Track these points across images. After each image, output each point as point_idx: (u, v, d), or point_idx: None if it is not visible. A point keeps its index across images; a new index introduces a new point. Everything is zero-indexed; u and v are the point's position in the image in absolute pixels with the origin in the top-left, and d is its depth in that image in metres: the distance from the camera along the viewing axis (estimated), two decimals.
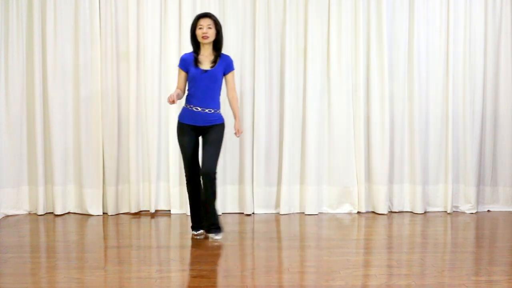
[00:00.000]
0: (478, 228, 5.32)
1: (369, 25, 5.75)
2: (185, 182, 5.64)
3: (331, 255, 4.30)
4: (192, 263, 4.16)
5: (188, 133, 4.65)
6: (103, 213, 5.71)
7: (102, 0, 5.61)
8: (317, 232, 5.11)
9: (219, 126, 4.69)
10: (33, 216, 5.64)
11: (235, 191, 5.80)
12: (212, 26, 4.61)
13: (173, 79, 5.62)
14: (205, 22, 4.60)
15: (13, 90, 5.61)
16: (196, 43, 4.67)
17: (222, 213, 5.73)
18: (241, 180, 5.79)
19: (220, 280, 3.74)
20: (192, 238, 4.80)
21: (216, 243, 4.65)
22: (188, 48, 5.62)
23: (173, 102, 4.46)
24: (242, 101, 5.72)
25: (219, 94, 4.70)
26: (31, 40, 5.60)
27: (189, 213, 5.66)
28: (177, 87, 4.71)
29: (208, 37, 4.59)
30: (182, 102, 4.86)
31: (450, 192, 5.81)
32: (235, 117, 4.73)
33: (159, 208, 5.80)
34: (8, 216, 5.61)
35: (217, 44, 4.66)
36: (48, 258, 4.27)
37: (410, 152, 5.83)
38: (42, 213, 5.65)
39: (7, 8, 5.58)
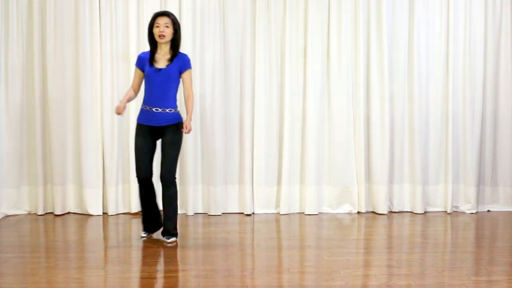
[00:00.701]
0: (478, 228, 5.32)
1: (369, 25, 5.75)
2: (185, 182, 5.70)
3: (331, 255, 4.30)
4: (192, 263, 4.16)
5: (144, 134, 4.55)
6: (103, 213, 5.70)
7: (102, 0, 5.60)
8: (317, 232, 5.11)
9: (176, 126, 4.56)
10: (33, 216, 5.64)
11: (235, 191, 5.80)
12: (170, 25, 4.51)
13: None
14: (162, 21, 4.50)
15: (13, 90, 5.61)
16: (153, 42, 4.56)
17: (222, 213, 5.73)
18: (241, 180, 5.79)
19: (220, 280, 3.74)
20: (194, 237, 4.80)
21: (216, 244, 4.65)
22: (187, 48, 5.64)
23: (119, 113, 4.44)
24: (242, 100, 5.73)
25: (175, 93, 4.59)
26: (31, 40, 5.60)
27: (190, 213, 5.69)
28: (131, 86, 4.64)
29: (164, 36, 4.49)
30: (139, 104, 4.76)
31: (450, 192, 5.80)
32: (187, 114, 4.53)
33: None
34: (8, 216, 5.61)
35: (175, 43, 4.56)
36: (48, 258, 4.27)
37: (410, 152, 5.83)
38: (42, 213, 5.65)
39: (7, 8, 5.58)
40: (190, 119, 4.53)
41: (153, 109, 4.52)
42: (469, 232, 5.22)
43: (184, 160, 5.67)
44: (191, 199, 5.69)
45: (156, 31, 4.52)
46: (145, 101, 4.58)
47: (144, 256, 4.30)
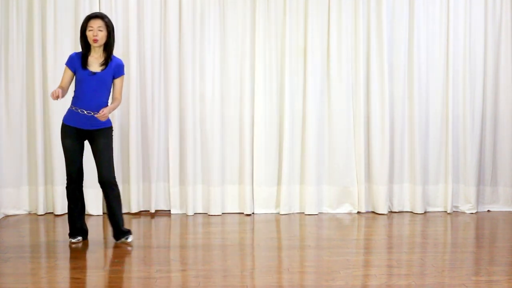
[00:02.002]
0: (478, 228, 5.32)
1: (369, 25, 5.75)
2: (185, 182, 5.70)
3: (331, 255, 4.30)
4: (192, 263, 4.16)
5: (72, 136, 4.46)
6: (103, 213, 5.70)
7: (102, 0, 5.60)
8: (317, 232, 5.11)
9: (107, 130, 4.51)
10: (33, 216, 5.64)
11: (235, 191, 5.80)
12: (103, 28, 4.38)
13: (173, 79, 5.63)
14: (95, 24, 4.37)
15: (13, 90, 5.61)
16: (86, 44, 4.43)
17: (222, 213, 5.73)
18: (241, 180, 5.79)
19: (220, 280, 3.74)
20: (190, 238, 4.80)
21: (216, 244, 4.65)
22: (188, 48, 5.65)
23: (57, 97, 4.23)
24: (242, 101, 5.72)
25: (107, 98, 4.51)
26: (31, 40, 5.60)
27: (189, 213, 5.69)
28: (60, 86, 4.42)
29: (97, 40, 4.36)
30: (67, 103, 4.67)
31: (450, 192, 5.80)
32: (109, 107, 4.42)
33: (159, 208, 5.80)
34: (8, 216, 5.61)
35: (108, 47, 4.43)
36: (48, 258, 4.27)
37: (410, 152, 5.83)
38: (42, 213, 5.65)
39: (7, 8, 5.58)
40: (110, 110, 4.40)
41: (85, 112, 4.42)
42: (469, 232, 5.22)
43: (184, 160, 5.67)
44: (191, 199, 5.69)
45: (89, 34, 4.38)
46: (76, 103, 4.44)
47: (144, 256, 4.30)
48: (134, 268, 4.05)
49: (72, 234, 4.65)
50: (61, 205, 5.66)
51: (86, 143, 4.63)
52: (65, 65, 4.52)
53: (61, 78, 4.57)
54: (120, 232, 4.60)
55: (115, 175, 4.60)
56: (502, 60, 5.85)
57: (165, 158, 5.75)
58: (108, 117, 4.50)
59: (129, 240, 4.60)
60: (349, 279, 3.74)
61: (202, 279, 3.73)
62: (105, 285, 3.71)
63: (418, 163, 5.77)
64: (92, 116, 4.43)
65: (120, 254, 4.36)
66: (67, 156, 4.51)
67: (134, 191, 5.67)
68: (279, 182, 5.81)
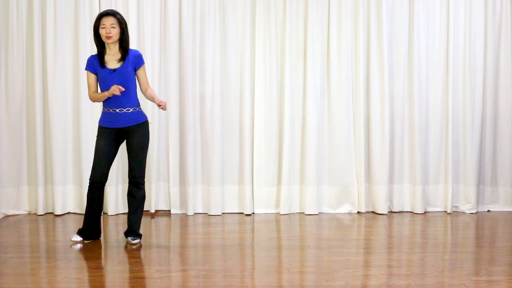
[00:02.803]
0: (478, 228, 5.32)
1: (369, 25, 5.75)
2: (185, 182, 5.70)
3: (331, 255, 4.30)
4: (192, 263, 4.16)
5: (107, 137, 4.46)
6: (103, 213, 5.69)
7: (102, 0, 5.61)
8: (317, 232, 5.11)
9: (142, 126, 4.50)
10: (33, 216, 5.64)
11: (235, 191, 5.80)
12: (116, 25, 4.37)
13: (173, 79, 5.63)
14: (107, 22, 4.36)
15: (13, 90, 5.61)
16: (100, 43, 4.44)
17: (222, 213, 5.74)
18: (241, 180, 5.79)
19: (220, 280, 3.74)
20: (185, 238, 4.79)
21: (216, 244, 4.65)
22: (187, 48, 5.64)
23: (120, 90, 4.28)
24: (242, 101, 5.73)
25: (134, 91, 4.49)
26: (31, 40, 5.60)
27: (190, 213, 5.69)
28: (91, 92, 4.48)
29: (111, 37, 4.36)
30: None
31: (450, 192, 5.80)
32: (155, 99, 4.46)
33: (159, 208, 5.80)
34: (8, 216, 5.61)
35: (123, 43, 4.43)
36: (48, 258, 4.27)
37: (410, 152, 5.83)
38: (42, 213, 5.65)
39: (7, 8, 5.58)
40: (158, 97, 4.46)
41: (117, 110, 4.44)
42: (469, 232, 5.23)
43: (184, 160, 5.67)
44: (191, 199, 5.69)
45: (102, 32, 4.39)
46: (106, 104, 4.46)
47: (144, 256, 4.30)
48: (134, 268, 4.05)
49: (77, 232, 4.65)
50: (61, 205, 5.66)
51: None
52: (86, 71, 4.54)
53: (87, 85, 4.54)
54: (131, 231, 4.59)
55: (144, 176, 4.59)
56: (502, 60, 5.85)
57: (165, 158, 5.75)
58: (141, 110, 4.53)
59: (134, 241, 4.56)
60: (349, 279, 3.74)
61: (202, 279, 3.73)
62: (105, 285, 3.71)
63: (418, 163, 5.77)
64: (125, 112, 4.44)
65: (120, 254, 4.36)
66: (95, 157, 4.51)
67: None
68: (279, 182, 5.81)
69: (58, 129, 5.63)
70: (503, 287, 3.61)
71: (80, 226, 4.70)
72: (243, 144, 5.75)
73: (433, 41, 5.80)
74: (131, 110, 4.46)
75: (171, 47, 5.64)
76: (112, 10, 4.49)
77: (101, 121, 4.52)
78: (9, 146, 5.62)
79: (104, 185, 4.57)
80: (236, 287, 3.60)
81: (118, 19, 4.41)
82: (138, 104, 4.53)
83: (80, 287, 3.62)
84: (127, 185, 5.68)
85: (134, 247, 4.50)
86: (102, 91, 4.46)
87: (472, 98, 5.81)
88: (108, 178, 5.57)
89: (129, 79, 4.44)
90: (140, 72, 4.51)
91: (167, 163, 5.75)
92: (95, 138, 5.54)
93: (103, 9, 5.57)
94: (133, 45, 5.57)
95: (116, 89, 4.29)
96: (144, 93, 4.56)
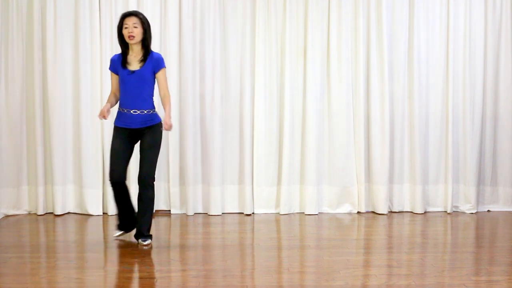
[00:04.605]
0: (478, 228, 5.32)
1: (369, 25, 5.75)
2: (185, 182, 5.70)
3: (331, 255, 4.30)
4: (192, 263, 4.16)
5: (121, 137, 4.50)
6: (103, 213, 5.70)
7: (102, 0, 5.61)
8: (317, 232, 5.11)
9: (155, 127, 4.51)
10: (33, 216, 5.64)
11: (235, 191, 5.80)
12: (139, 25, 4.42)
13: (173, 79, 5.63)
14: (130, 21, 4.42)
15: (13, 90, 5.61)
16: (123, 43, 4.49)
17: (222, 213, 5.73)
18: (241, 180, 5.79)
19: (220, 280, 3.74)
20: (187, 238, 4.79)
21: (216, 244, 4.65)
22: (187, 48, 5.65)
23: (104, 117, 4.37)
24: (242, 101, 5.73)
25: (151, 94, 4.52)
26: (31, 40, 5.60)
27: (190, 213, 5.69)
28: (112, 92, 4.58)
29: (134, 36, 4.40)
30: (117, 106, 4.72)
31: (450, 192, 5.80)
32: (165, 113, 4.45)
33: (159, 208, 5.80)
34: (8, 216, 5.60)
35: (145, 42, 4.48)
36: (48, 258, 4.27)
37: (410, 152, 5.83)
38: (42, 213, 5.65)
39: (7, 8, 5.58)
40: (170, 117, 4.44)
41: (131, 111, 4.47)
42: (469, 232, 5.23)
43: (184, 160, 5.67)
44: (191, 199, 5.69)
45: (125, 32, 4.44)
46: (122, 104, 4.52)
47: (144, 256, 4.30)
48: (134, 268, 4.05)
49: (117, 228, 4.76)
50: (61, 205, 5.66)
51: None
52: (109, 70, 4.62)
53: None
54: (140, 233, 4.58)
55: (154, 177, 4.56)
56: (502, 60, 5.85)
57: (164, 159, 5.74)
58: (156, 113, 4.55)
59: (146, 243, 4.54)
60: (349, 279, 3.74)
61: (202, 279, 3.74)
62: (105, 285, 3.71)
63: (418, 163, 5.77)
64: (139, 114, 4.47)
65: (120, 254, 4.36)
66: (111, 156, 4.54)
67: (134, 191, 5.66)
68: (279, 182, 5.81)
69: (58, 129, 5.63)
70: (503, 287, 3.61)
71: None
72: (243, 144, 5.75)
73: (433, 41, 5.80)
74: (145, 112, 4.49)
75: (171, 47, 5.64)
76: (135, 11, 4.57)
77: (116, 120, 4.58)
78: (9, 146, 5.62)
79: (124, 182, 4.58)
80: (236, 287, 3.60)
81: (140, 19, 4.46)
82: (153, 107, 4.55)
83: (80, 287, 3.62)
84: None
85: (146, 248, 4.49)
86: (121, 91, 4.51)
87: (472, 98, 5.81)
88: (107, 178, 5.62)
89: (146, 82, 4.48)
90: (159, 75, 4.51)
91: (167, 163, 5.75)
92: (95, 138, 5.60)
93: (103, 9, 5.59)
94: None
95: (100, 116, 4.37)
96: (160, 96, 4.57)
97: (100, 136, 5.62)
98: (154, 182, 4.56)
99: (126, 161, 4.56)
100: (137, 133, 4.52)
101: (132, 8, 5.58)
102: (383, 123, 5.75)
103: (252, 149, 5.76)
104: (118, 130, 4.53)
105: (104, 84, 5.61)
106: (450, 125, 5.78)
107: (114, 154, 4.51)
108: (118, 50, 5.61)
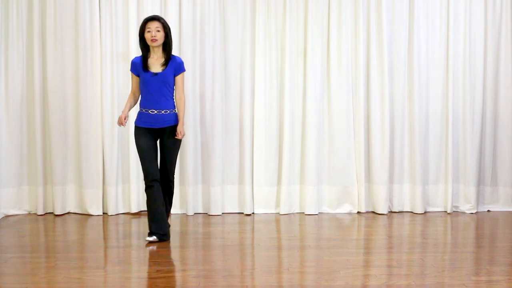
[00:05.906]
0: (478, 228, 5.32)
1: (369, 25, 5.75)
2: (185, 182, 5.70)
3: (331, 255, 4.30)
4: (192, 263, 4.16)
5: (144, 135, 4.63)
6: (103, 213, 5.70)
7: (102, 0, 5.61)
8: (317, 232, 5.11)
9: (176, 128, 4.66)
10: (33, 216, 5.64)
11: (235, 191, 5.80)
12: (161, 29, 4.60)
13: None
14: (153, 25, 4.59)
15: (13, 90, 5.61)
16: (145, 46, 4.66)
17: (222, 213, 5.74)
18: (241, 180, 5.79)
19: (220, 280, 3.74)
20: (191, 239, 4.80)
21: (216, 244, 4.65)
22: (187, 48, 5.65)
23: (121, 124, 4.59)
24: (242, 100, 5.73)
25: (172, 96, 4.70)
26: (31, 40, 5.60)
27: (190, 213, 5.69)
28: (132, 92, 4.75)
29: (156, 40, 4.58)
30: (137, 107, 4.85)
31: (450, 192, 5.80)
32: (178, 118, 4.66)
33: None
34: (8, 216, 5.61)
35: (166, 46, 4.65)
36: (48, 258, 4.28)
37: (410, 152, 5.83)
38: (42, 213, 5.65)
39: (7, 8, 5.58)
40: (183, 123, 4.67)
41: (155, 112, 4.62)
42: (469, 232, 5.23)
43: (184, 160, 5.67)
44: (191, 199, 5.69)
45: (147, 35, 4.60)
46: (143, 105, 4.68)
47: (144, 256, 4.31)
48: (134, 268, 4.05)
49: (148, 233, 4.68)
50: (61, 205, 5.66)
51: None
52: (130, 72, 4.78)
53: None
54: (160, 233, 4.62)
55: (174, 176, 4.83)
56: (502, 60, 5.84)
57: None
58: (176, 113, 4.68)
59: (150, 239, 4.61)
60: (349, 279, 3.74)
61: (202, 279, 3.74)
62: (105, 285, 3.71)
63: (418, 163, 5.77)
64: (162, 114, 4.62)
65: (120, 254, 4.36)
66: (143, 156, 4.63)
67: (134, 191, 5.67)
68: (279, 182, 5.81)
69: (58, 129, 5.63)
70: (503, 287, 3.61)
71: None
72: (243, 144, 5.75)
73: (433, 41, 5.80)
74: (167, 112, 4.64)
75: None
76: (157, 15, 4.73)
77: (137, 121, 4.70)
78: (9, 146, 5.62)
79: (159, 181, 4.66)
80: (236, 287, 3.60)
81: (162, 23, 4.64)
82: (174, 107, 4.70)
83: (80, 287, 3.62)
84: (127, 185, 5.73)
85: (149, 244, 4.57)
86: (142, 92, 4.66)
87: (472, 98, 5.81)
88: (108, 178, 5.64)
89: (168, 84, 4.64)
90: (178, 78, 4.69)
91: None
92: (95, 138, 5.59)
93: (103, 9, 5.59)
94: (133, 45, 5.59)
95: (118, 121, 4.64)
96: (175, 99, 4.71)
97: (100, 136, 5.62)
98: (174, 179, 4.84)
99: (156, 157, 4.70)
100: (158, 132, 4.67)
101: (132, 8, 5.59)
102: (383, 123, 5.76)
103: (252, 149, 5.76)
104: (140, 130, 4.66)
105: (104, 84, 5.61)
106: (450, 125, 5.78)
107: (145, 155, 4.62)
108: (118, 50, 5.66)
